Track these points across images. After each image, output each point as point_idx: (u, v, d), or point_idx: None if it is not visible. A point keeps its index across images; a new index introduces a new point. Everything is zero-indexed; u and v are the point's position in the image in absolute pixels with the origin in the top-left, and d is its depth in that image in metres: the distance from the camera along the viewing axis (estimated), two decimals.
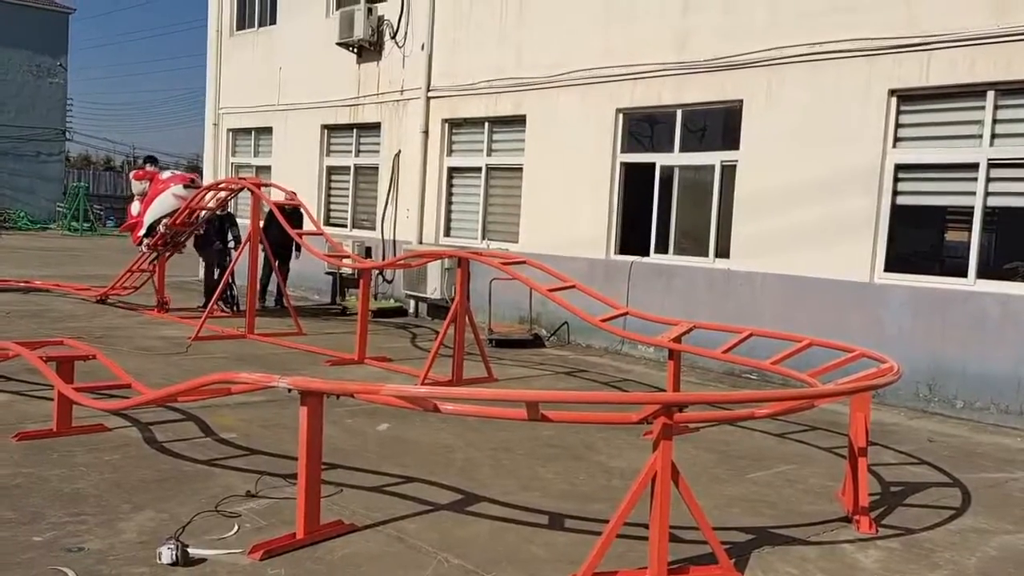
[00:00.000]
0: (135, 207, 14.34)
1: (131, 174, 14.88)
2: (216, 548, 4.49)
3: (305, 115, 17.30)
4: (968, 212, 9.11)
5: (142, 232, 13.82)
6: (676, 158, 11.47)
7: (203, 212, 13.44)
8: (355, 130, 16.49)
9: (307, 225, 12.99)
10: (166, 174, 14.45)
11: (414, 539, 4.78)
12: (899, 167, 9.37)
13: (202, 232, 13.92)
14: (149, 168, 14.78)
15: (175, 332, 11.59)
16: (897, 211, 9.46)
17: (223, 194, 13.32)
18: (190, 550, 4.34)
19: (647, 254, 11.68)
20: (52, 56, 43.35)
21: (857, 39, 9.48)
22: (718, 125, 11.48)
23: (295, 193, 13.32)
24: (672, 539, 4.30)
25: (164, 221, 13.38)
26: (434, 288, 13.63)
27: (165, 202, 13.48)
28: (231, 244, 13.99)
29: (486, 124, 13.94)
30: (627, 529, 4.35)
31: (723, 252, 10.86)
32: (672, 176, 11.50)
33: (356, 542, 4.70)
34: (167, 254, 14.08)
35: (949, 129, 9.15)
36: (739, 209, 10.61)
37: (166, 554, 4.22)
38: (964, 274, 8.95)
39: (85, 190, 40.68)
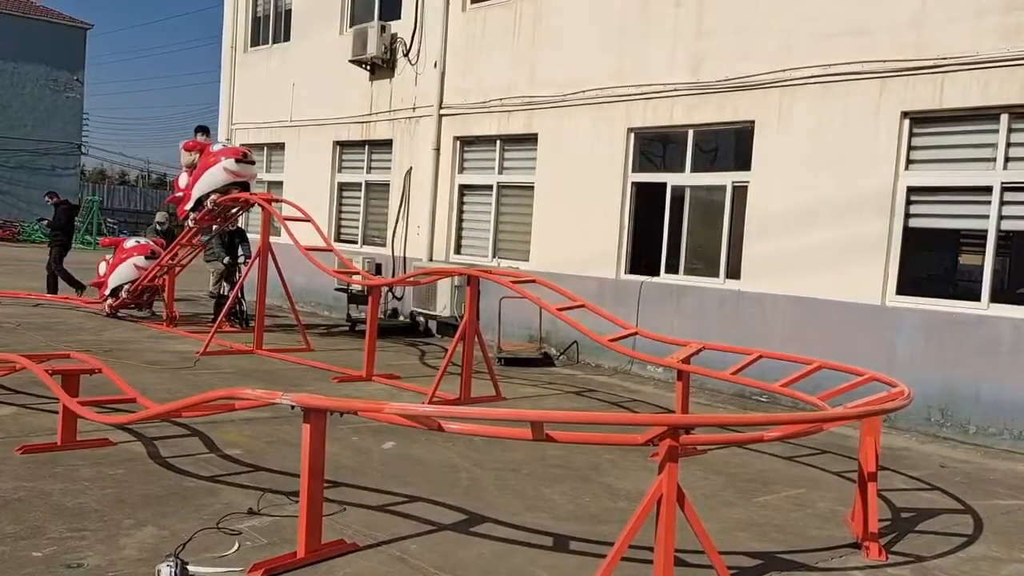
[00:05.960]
0: (183, 179, 13.40)
1: (181, 144, 13.69)
2: (216, 566, 4.45)
3: (317, 131, 17.37)
4: (981, 236, 9.03)
5: (188, 206, 13.08)
6: (687, 178, 11.44)
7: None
8: (367, 147, 16.54)
9: (316, 240, 12.86)
10: (217, 146, 13.44)
11: (416, 560, 4.72)
12: (911, 190, 9.30)
13: (212, 245, 13.90)
14: (200, 138, 13.66)
15: (184, 346, 11.59)
16: (909, 234, 9.39)
17: (234, 209, 13.26)
18: (190, 568, 4.30)
19: (657, 274, 11.63)
20: (69, 71, 43.73)
21: (869, 61, 9.45)
22: (730, 146, 11.46)
23: None
24: (677, 563, 4.24)
25: (213, 196, 12.64)
26: (444, 305, 13.60)
27: (215, 176, 12.63)
28: (241, 259, 13.94)
29: (498, 142, 13.95)
30: (632, 552, 4.29)
31: (734, 273, 10.80)
32: (683, 196, 11.45)
33: (357, 562, 4.64)
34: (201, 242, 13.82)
35: (962, 152, 9.08)
36: (750, 230, 10.55)
37: (165, 571, 4.18)
38: (977, 298, 8.86)
39: (99, 204, 40.94)
